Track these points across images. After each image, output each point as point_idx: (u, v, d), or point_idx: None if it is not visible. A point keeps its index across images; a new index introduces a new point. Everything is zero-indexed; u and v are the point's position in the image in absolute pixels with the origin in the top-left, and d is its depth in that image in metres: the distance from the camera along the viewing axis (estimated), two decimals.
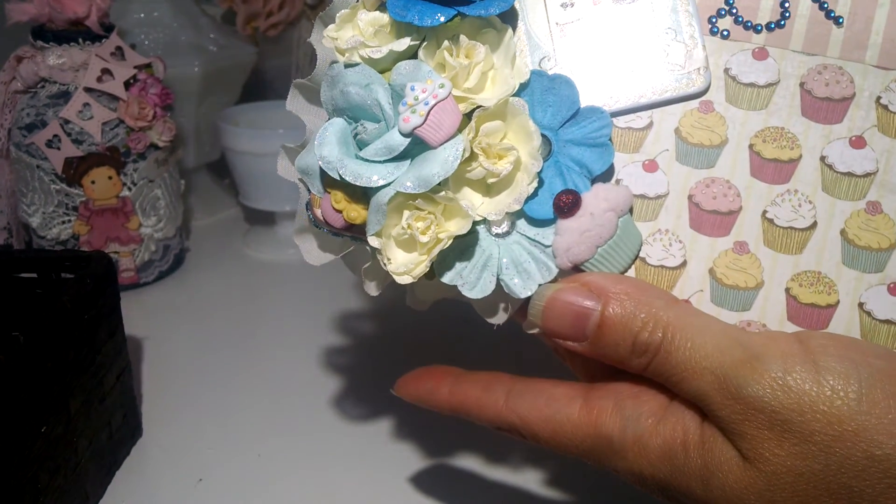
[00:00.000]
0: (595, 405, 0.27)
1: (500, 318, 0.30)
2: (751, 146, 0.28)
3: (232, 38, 0.72)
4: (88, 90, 0.57)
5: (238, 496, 0.42)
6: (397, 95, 0.28)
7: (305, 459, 0.44)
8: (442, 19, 0.27)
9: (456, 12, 0.27)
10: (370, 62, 0.28)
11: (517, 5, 0.29)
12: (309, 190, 0.30)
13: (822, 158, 0.27)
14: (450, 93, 0.27)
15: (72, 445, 0.38)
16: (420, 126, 0.27)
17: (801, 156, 0.27)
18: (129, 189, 0.60)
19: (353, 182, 0.27)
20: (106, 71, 0.58)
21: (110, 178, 0.59)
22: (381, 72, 0.28)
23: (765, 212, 0.27)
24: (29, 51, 0.58)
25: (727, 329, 0.25)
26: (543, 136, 0.28)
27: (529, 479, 0.43)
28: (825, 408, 0.22)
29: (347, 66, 0.28)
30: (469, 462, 0.44)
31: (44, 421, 0.35)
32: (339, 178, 0.28)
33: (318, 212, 0.30)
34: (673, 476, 0.25)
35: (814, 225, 0.27)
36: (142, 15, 0.69)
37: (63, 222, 0.59)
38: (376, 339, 0.56)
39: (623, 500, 0.42)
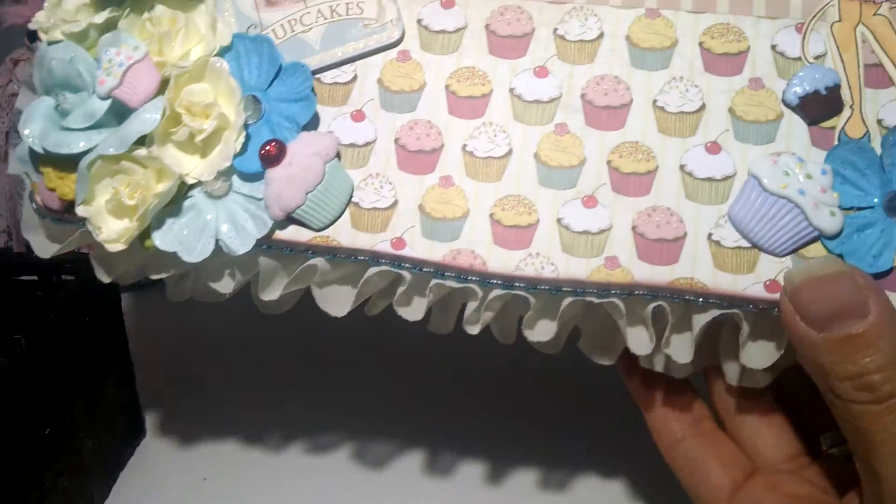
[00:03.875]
0: None
1: (226, 286, 0.30)
2: (447, 87, 0.29)
3: None
4: None
5: (242, 496, 0.41)
6: (99, 64, 0.28)
7: (309, 460, 0.44)
8: None
9: None
10: (72, 37, 0.29)
11: None
12: (31, 179, 0.30)
13: (511, 90, 0.29)
14: (145, 55, 0.28)
15: (75, 447, 0.38)
16: (117, 87, 0.27)
17: (491, 90, 0.29)
18: None
19: (55, 151, 0.28)
20: None
21: None
22: (89, 48, 0.29)
23: (465, 145, 0.29)
24: (25, 54, 0.57)
25: None
26: (254, 96, 0.29)
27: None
28: None
29: (51, 43, 0.29)
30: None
31: (47, 423, 0.35)
32: (44, 152, 0.28)
33: (39, 198, 0.30)
34: None
35: (509, 152, 0.28)
36: None
37: None
38: (381, 339, 0.54)
39: None
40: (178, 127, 0.28)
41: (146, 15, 0.29)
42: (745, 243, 0.27)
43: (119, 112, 0.28)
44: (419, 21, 0.30)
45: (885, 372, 0.23)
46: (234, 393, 0.49)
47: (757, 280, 0.26)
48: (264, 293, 0.30)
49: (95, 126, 0.28)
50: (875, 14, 0.28)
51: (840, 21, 0.28)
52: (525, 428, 0.45)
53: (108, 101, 0.28)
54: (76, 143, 0.27)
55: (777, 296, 0.26)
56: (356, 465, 0.43)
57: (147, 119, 0.27)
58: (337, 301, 0.30)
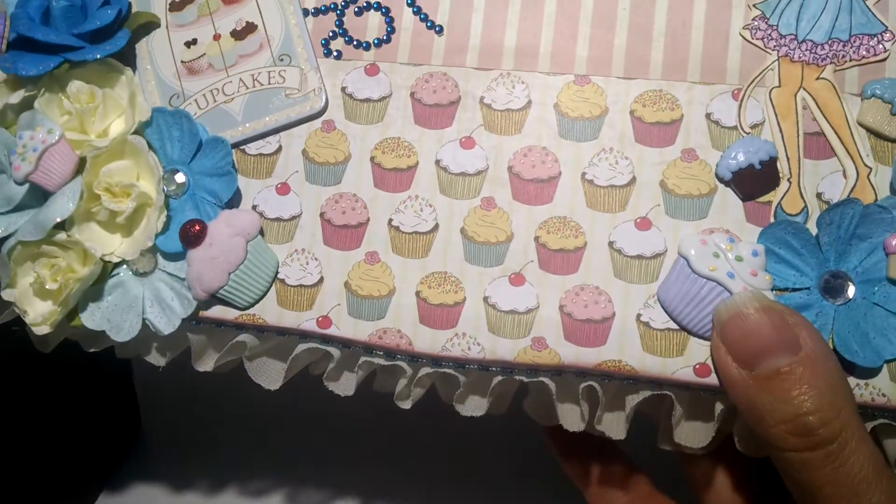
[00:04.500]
0: None
1: (157, 360, 0.30)
2: (372, 158, 0.28)
3: None
4: None
5: (239, 492, 0.42)
6: (14, 149, 0.28)
7: (307, 456, 0.44)
8: (51, 66, 0.28)
9: (62, 59, 0.28)
10: None
11: (145, 47, 0.30)
12: None
13: (437, 162, 0.28)
14: (60, 137, 0.27)
15: (71, 442, 0.38)
16: (32, 173, 0.27)
17: (417, 162, 0.28)
18: None
19: None
20: None
21: None
22: (8, 127, 0.29)
23: (390, 220, 0.28)
24: None
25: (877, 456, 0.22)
26: (179, 170, 0.29)
27: None
28: None
29: None
30: None
31: (42, 417, 0.35)
32: None
33: None
34: None
35: (436, 227, 0.28)
36: None
37: None
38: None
39: None
40: (99, 207, 0.28)
41: (62, 93, 0.28)
42: (674, 325, 0.26)
43: (41, 192, 0.28)
44: (343, 89, 0.29)
45: (821, 413, 0.21)
46: (232, 389, 0.48)
47: (686, 364, 0.26)
48: (197, 365, 0.30)
49: (16, 209, 0.28)
50: (818, 78, 0.26)
51: (780, 86, 0.26)
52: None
53: (26, 186, 0.27)
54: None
55: (707, 379, 0.25)
56: (360, 465, 0.44)
57: (63, 205, 0.27)
58: (268, 374, 0.30)
